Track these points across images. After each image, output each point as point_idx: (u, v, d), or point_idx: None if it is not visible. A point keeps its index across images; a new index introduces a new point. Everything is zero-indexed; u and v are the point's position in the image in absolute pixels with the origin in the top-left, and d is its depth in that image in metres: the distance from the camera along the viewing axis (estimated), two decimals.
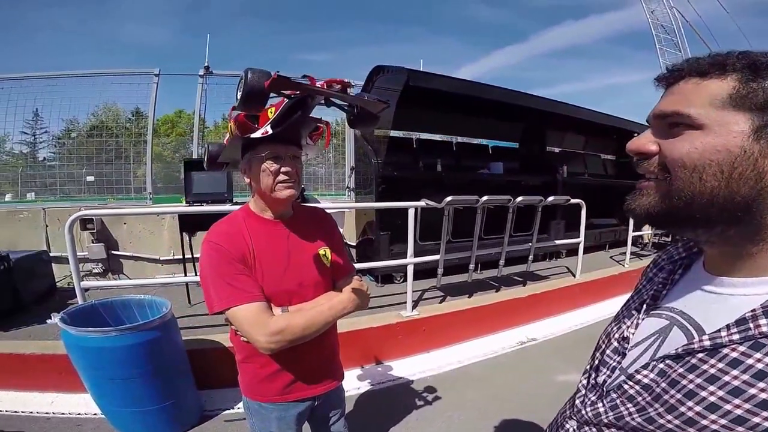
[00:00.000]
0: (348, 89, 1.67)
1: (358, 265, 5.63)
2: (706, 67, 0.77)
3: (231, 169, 2.31)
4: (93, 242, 7.42)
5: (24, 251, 6.08)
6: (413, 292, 5.39)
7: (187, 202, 5.68)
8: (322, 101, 1.69)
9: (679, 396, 0.75)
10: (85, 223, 7.14)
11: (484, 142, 10.60)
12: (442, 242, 5.77)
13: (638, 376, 0.85)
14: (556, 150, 11.29)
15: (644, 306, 1.01)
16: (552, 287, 6.78)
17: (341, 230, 6.80)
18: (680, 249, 1.06)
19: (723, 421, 0.68)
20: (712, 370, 0.72)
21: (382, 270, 6.86)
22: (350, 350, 4.63)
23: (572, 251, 8.45)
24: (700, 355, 0.75)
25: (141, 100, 9.45)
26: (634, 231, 8.68)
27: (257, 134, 1.70)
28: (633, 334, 0.98)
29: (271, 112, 1.71)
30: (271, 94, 1.56)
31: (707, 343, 0.75)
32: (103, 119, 11.14)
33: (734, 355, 0.70)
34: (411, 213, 5.21)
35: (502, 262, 6.50)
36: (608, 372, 0.98)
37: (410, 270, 5.34)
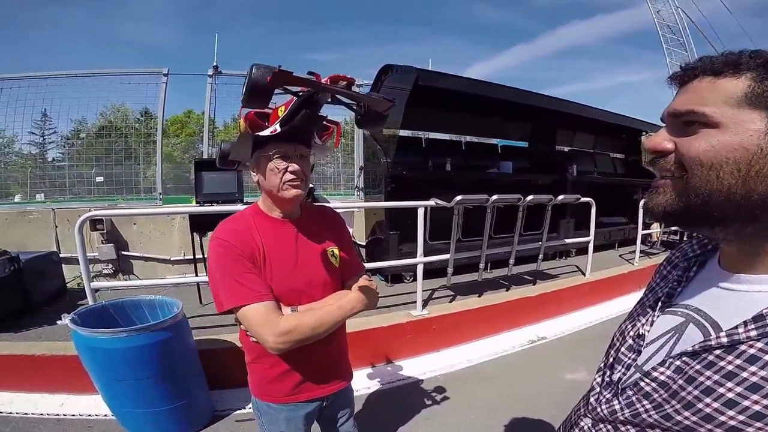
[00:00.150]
0: (352, 86, 1.65)
1: (367, 265, 5.63)
2: (720, 66, 0.76)
3: (243, 167, 2.29)
4: (103, 243, 7.43)
5: (34, 252, 6.09)
6: (423, 291, 5.38)
7: (197, 202, 5.69)
8: (329, 99, 1.68)
9: (696, 393, 0.75)
10: (95, 223, 7.16)
11: (494, 141, 10.58)
12: (451, 241, 5.76)
13: (655, 374, 0.85)
14: (566, 149, 11.27)
15: (659, 303, 1.01)
16: (562, 286, 6.77)
17: (351, 230, 6.79)
18: (695, 246, 1.05)
19: (741, 417, 0.68)
20: (730, 367, 0.72)
21: (392, 269, 6.84)
22: (360, 350, 4.64)
23: (582, 250, 8.45)
24: (717, 351, 0.75)
25: (150, 101, 9.49)
26: (643, 229, 8.66)
27: (266, 132, 1.68)
28: (648, 331, 0.98)
29: (281, 111, 1.70)
30: (282, 93, 1.56)
31: (724, 339, 0.75)
32: (112, 119, 11.18)
33: (752, 351, 0.70)
34: (420, 212, 5.20)
35: (512, 261, 6.49)
36: (623, 369, 0.97)
37: (420, 269, 5.33)
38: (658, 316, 0.98)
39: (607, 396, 0.97)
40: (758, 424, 0.67)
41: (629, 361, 0.97)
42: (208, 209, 4.94)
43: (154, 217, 7.81)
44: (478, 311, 5.62)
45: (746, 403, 0.68)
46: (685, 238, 9.77)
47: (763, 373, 0.68)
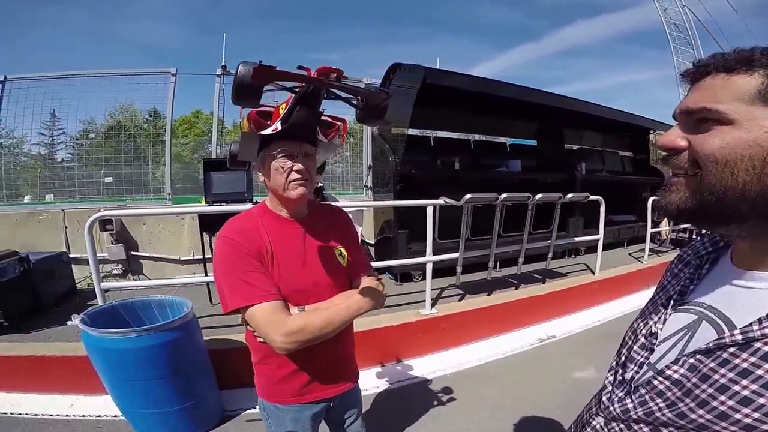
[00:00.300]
0: (341, 78, 1.62)
1: (376, 264, 5.64)
2: (733, 63, 0.76)
3: (253, 168, 2.29)
4: (112, 243, 7.46)
5: (44, 253, 6.11)
6: (432, 290, 5.39)
7: (206, 202, 5.69)
8: (324, 94, 1.65)
9: (710, 390, 0.75)
10: (104, 224, 7.18)
11: (502, 140, 10.56)
12: (461, 240, 5.76)
13: (668, 372, 0.85)
14: (574, 147, 11.25)
15: (671, 301, 1.01)
16: (571, 284, 6.78)
17: (360, 229, 6.79)
18: (706, 244, 1.05)
19: (756, 415, 0.69)
20: (745, 364, 0.72)
21: (401, 268, 6.85)
22: (369, 349, 4.64)
23: (591, 248, 8.42)
24: (731, 349, 0.75)
25: (158, 101, 9.50)
26: (652, 227, 8.65)
27: (267, 131, 1.67)
28: (661, 329, 0.98)
29: (282, 109, 1.67)
30: (275, 89, 1.55)
31: (739, 337, 0.75)
32: (121, 120, 11.20)
33: (767, 348, 0.71)
34: (429, 211, 5.19)
35: (521, 259, 6.49)
36: (636, 368, 0.98)
37: (429, 268, 5.33)
38: (670, 314, 0.98)
39: (620, 395, 0.98)
40: None
41: (642, 360, 0.97)
42: (217, 209, 4.94)
43: (164, 217, 7.82)
44: (487, 310, 5.63)
45: (761, 400, 0.68)
46: (695, 236, 9.75)
47: None
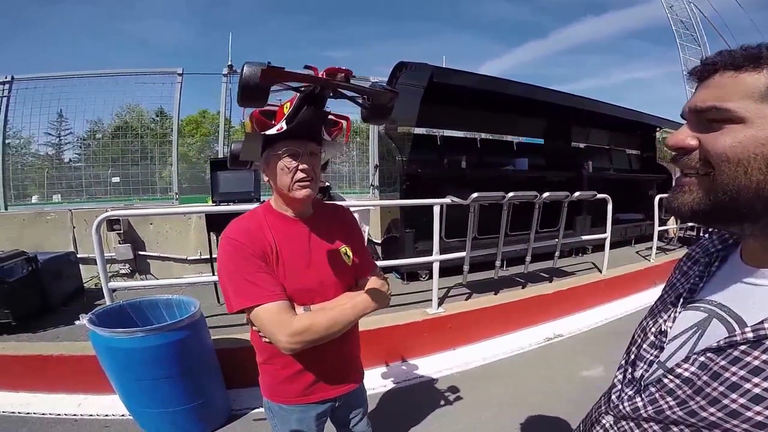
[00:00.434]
0: (350, 78, 1.59)
1: (383, 263, 5.64)
2: (741, 60, 0.76)
3: (256, 167, 2.28)
4: (120, 243, 7.48)
5: (51, 252, 6.13)
6: (439, 289, 5.38)
7: (213, 202, 5.69)
8: (331, 93, 1.64)
9: (722, 388, 0.75)
10: (111, 223, 7.20)
11: (509, 138, 10.55)
12: (467, 239, 5.75)
13: (679, 370, 0.85)
14: (581, 145, 11.22)
15: (681, 299, 1.00)
16: (578, 283, 6.79)
17: (367, 228, 6.79)
18: (715, 241, 1.05)
19: None
20: (756, 362, 0.72)
21: (408, 267, 6.85)
22: (376, 348, 4.66)
23: (598, 247, 8.46)
24: (742, 347, 0.75)
25: (164, 100, 9.51)
26: (660, 226, 8.65)
27: (272, 131, 1.67)
28: (670, 327, 0.98)
29: (286, 108, 1.68)
30: (282, 89, 1.55)
31: (750, 335, 0.75)
32: (127, 120, 11.24)
33: None
34: (436, 210, 5.19)
35: (528, 258, 6.48)
36: (646, 366, 0.98)
37: (436, 267, 5.33)
38: (680, 312, 0.98)
39: (629, 393, 0.98)
40: None
41: (651, 358, 0.98)
42: (224, 208, 4.94)
43: (171, 216, 7.85)
44: (494, 309, 5.63)
45: None
46: (702, 234, 9.71)
47: None
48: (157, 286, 5.90)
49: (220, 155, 9.45)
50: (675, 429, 0.84)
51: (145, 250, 7.79)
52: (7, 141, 8.78)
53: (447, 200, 5.37)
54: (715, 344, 0.79)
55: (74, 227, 7.57)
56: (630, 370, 1.03)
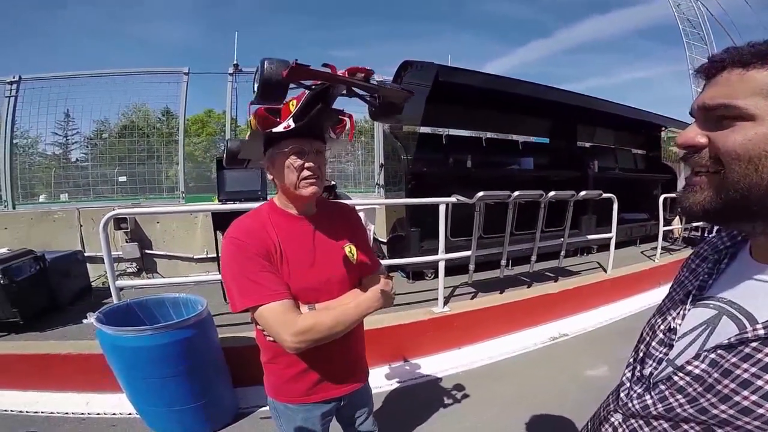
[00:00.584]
0: (370, 78, 1.60)
1: (388, 262, 5.65)
2: (748, 57, 0.76)
3: (253, 165, 2.29)
4: (127, 242, 7.50)
5: (59, 251, 6.13)
6: (444, 288, 5.39)
7: (220, 200, 5.70)
8: (344, 92, 1.65)
9: (733, 386, 0.75)
10: (118, 222, 7.23)
11: (514, 137, 10.54)
12: (473, 238, 5.75)
13: (689, 367, 0.85)
14: (587, 145, 11.17)
15: (690, 297, 1.00)
16: (583, 283, 6.78)
17: (372, 227, 6.79)
18: (724, 238, 1.05)
19: None
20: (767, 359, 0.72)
21: (413, 266, 6.84)
22: (382, 347, 4.67)
23: (603, 246, 8.43)
24: (754, 344, 0.75)
25: (170, 100, 9.57)
26: (664, 226, 8.62)
27: (279, 128, 1.66)
28: (680, 325, 0.97)
29: (292, 105, 1.67)
30: (292, 86, 1.52)
31: (761, 331, 0.75)
32: (134, 119, 11.26)
33: None
34: (442, 209, 5.20)
35: (533, 257, 6.48)
36: (655, 364, 0.97)
37: (441, 266, 5.33)
38: (689, 310, 0.97)
39: (638, 391, 0.98)
40: None
41: (661, 356, 0.97)
42: (231, 207, 4.93)
43: (177, 215, 7.90)
44: (500, 308, 5.64)
45: None
46: (706, 234, 9.66)
47: None
48: (164, 284, 5.94)
49: None
50: (685, 426, 0.84)
51: (151, 249, 7.83)
52: (14, 141, 8.82)
53: (452, 199, 5.37)
54: (726, 341, 0.79)
55: (81, 226, 7.61)
56: (639, 367, 1.02)
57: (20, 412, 3.85)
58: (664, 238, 9.02)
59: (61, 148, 11.97)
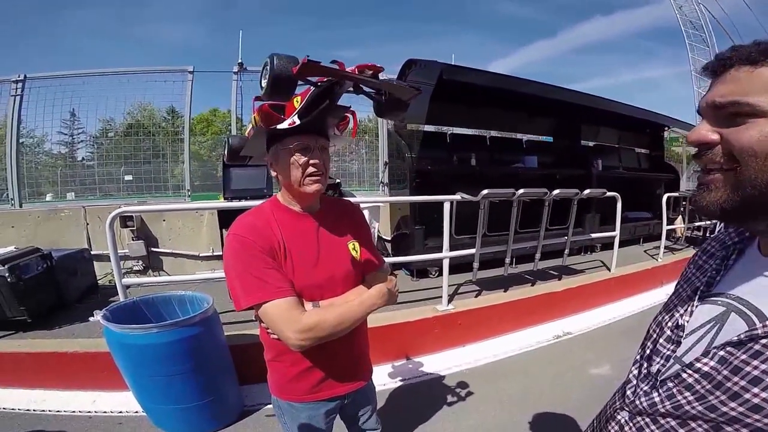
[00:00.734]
0: (379, 74, 1.59)
1: (393, 260, 5.67)
2: (756, 55, 0.76)
3: (255, 162, 2.27)
4: (133, 240, 7.53)
5: (66, 249, 6.13)
6: (449, 286, 5.38)
7: (225, 198, 5.70)
8: (351, 88, 1.64)
9: (743, 383, 0.74)
10: (125, 220, 7.24)
11: (518, 136, 10.53)
12: (477, 236, 5.75)
13: (698, 365, 0.84)
14: (591, 144, 11.16)
15: (698, 293, 0.99)
16: (587, 281, 6.78)
17: (377, 224, 6.79)
18: (732, 234, 1.04)
19: None
20: None
21: (418, 264, 6.84)
22: (386, 344, 4.68)
23: (607, 245, 8.44)
24: (764, 340, 0.74)
25: (175, 98, 9.60)
26: (667, 225, 8.60)
27: (284, 125, 1.65)
28: (687, 321, 0.97)
29: (297, 102, 1.66)
30: (302, 83, 1.54)
31: None
32: (139, 118, 11.28)
33: None
34: (446, 207, 5.20)
35: (538, 255, 6.47)
36: (662, 361, 0.97)
37: (446, 264, 5.34)
38: (696, 306, 0.97)
39: (645, 388, 0.97)
40: None
41: (668, 353, 0.97)
42: (236, 204, 4.94)
43: (183, 213, 7.91)
44: (504, 306, 5.64)
45: None
46: (708, 234, 9.62)
47: None
48: (170, 282, 5.92)
49: None
50: (693, 424, 0.83)
51: (157, 247, 7.85)
52: (21, 140, 8.85)
53: (457, 197, 5.35)
54: (736, 338, 0.79)
55: (88, 224, 7.63)
56: (646, 365, 1.02)
57: (27, 410, 3.86)
58: (667, 237, 8.99)
59: (67, 147, 12.03)
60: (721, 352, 0.80)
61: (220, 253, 6.06)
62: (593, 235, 8.05)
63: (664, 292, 6.99)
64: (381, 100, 1.78)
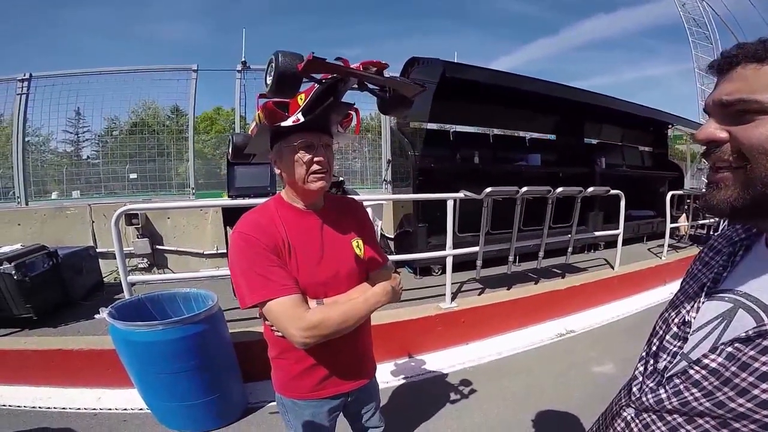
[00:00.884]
0: (384, 71, 1.59)
1: (396, 257, 5.67)
2: (762, 52, 0.76)
3: (258, 160, 2.27)
4: (138, 237, 7.55)
5: (71, 247, 6.15)
6: (452, 284, 5.39)
7: (229, 196, 5.71)
8: (355, 86, 1.64)
9: (751, 379, 0.74)
10: (130, 218, 7.26)
11: (522, 134, 10.53)
12: (481, 234, 5.74)
13: (705, 361, 0.84)
14: (594, 141, 11.16)
15: (704, 289, 0.98)
16: (590, 279, 6.77)
17: (380, 222, 6.79)
18: (739, 230, 1.04)
19: None
20: None
21: (421, 262, 6.85)
22: (390, 342, 4.68)
23: (610, 243, 8.44)
24: None
25: (179, 97, 9.58)
26: (671, 223, 8.58)
27: (288, 122, 1.65)
28: (694, 318, 0.96)
29: (301, 99, 1.65)
30: (306, 80, 1.53)
31: None
32: (143, 117, 11.29)
33: None
34: (450, 204, 5.20)
35: (541, 253, 6.46)
36: (669, 358, 0.97)
37: (449, 262, 5.34)
38: (703, 303, 0.97)
39: (652, 385, 0.97)
40: None
41: (675, 349, 0.96)
42: (241, 202, 4.96)
43: (188, 211, 7.92)
44: (507, 304, 5.64)
45: None
46: (712, 232, 9.57)
47: None
48: (175, 279, 5.93)
49: None
50: (700, 421, 0.83)
51: (162, 245, 7.87)
52: (27, 138, 8.88)
53: (460, 195, 5.35)
54: (744, 334, 0.79)
55: (93, 222, 7.65)
56: (652, 361, 1.02)
57: (33, 407, 3.87)
58: (671, 236, 8.97)
59: (73, 146, 12.05)
60: (729, 349, 0.80)
61: (225, 250, 6.09)
62: (597, 233, 8.06)
63: (668, 290, 6.98)
64: (385, 97, 1.77)
